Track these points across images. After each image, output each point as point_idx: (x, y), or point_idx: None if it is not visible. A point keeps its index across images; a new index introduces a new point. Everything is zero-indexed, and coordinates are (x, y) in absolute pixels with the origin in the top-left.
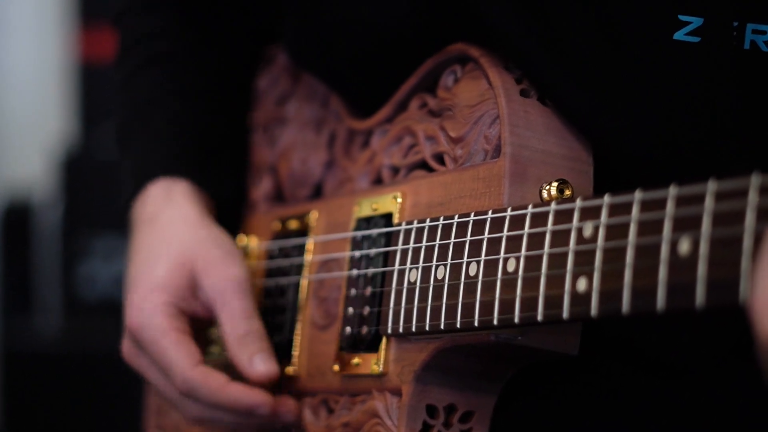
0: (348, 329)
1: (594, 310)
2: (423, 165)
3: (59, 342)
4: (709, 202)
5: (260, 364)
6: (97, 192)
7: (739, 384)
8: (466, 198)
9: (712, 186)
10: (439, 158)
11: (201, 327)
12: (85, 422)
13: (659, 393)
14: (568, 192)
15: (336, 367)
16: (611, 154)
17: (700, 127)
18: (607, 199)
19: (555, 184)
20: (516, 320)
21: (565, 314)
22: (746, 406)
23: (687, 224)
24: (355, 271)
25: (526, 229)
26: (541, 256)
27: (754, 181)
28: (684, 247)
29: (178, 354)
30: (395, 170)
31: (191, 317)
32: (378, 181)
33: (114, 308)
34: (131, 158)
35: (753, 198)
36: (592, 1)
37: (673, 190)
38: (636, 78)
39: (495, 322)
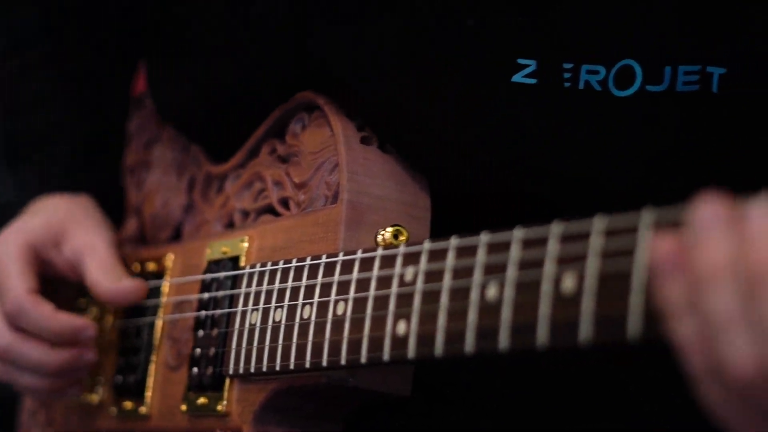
0: (195, 370)
1: (411, 352)
2: (272, 210)
3: None
4: (515, 249)
5: (128, 281)
6: None
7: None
8: (306, 243)
9: (518, 233)
10: (285, 203)
11: (67, 297)
12: None
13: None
14: (402, 237)
15: (183, 407)
16: (453, 197)
17: (538, 166)
18: (426, 245)
19: (390, 229)
20: (343, 362)
21: (386, 356)
22: None
23: (495, 269)
24: (203, 313)
25: (355, 274)
26: (366, 299)
27: (555, 229)
28: (491, 291)
29: (18, 278)
30: (246, 214)
31: (48, 267)
32: (230, 225)
33: None
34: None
35: (553, 247)
36: (429, 45)
37: (484, 237)
38: (475, 120)
39: (324, 363)
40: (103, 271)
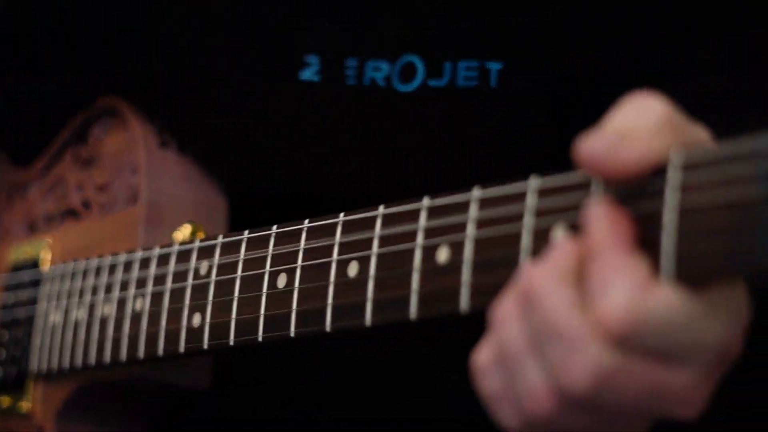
0: (1, 371)
1: (205, 343)
2: (74, 212)
3: None
4: (303, 238)
5: None
6: None
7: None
8: (108, 242)
9: (307, 224)
10: (87, 205)
11: None
12: None
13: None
14: (200, 234)
15: None
16: (250, 196)
17: (325, 164)
18: (219, 239)
19: (188, 227)
20: (141, 356)
21: (181, 348)
22: None
23: (284, 260)
24: (7, 315)
25: (153, 269)
26: (163, 294)
27: (341, 218)
28: (281, 280)
29: None
30: (50, 218)
31: None
32: (34, 229)
33: None
34: None
35: (339, 236)
36: (219, 47)
37: (276, 230)
38: (264, 120)
39: (124, 358)
40: None
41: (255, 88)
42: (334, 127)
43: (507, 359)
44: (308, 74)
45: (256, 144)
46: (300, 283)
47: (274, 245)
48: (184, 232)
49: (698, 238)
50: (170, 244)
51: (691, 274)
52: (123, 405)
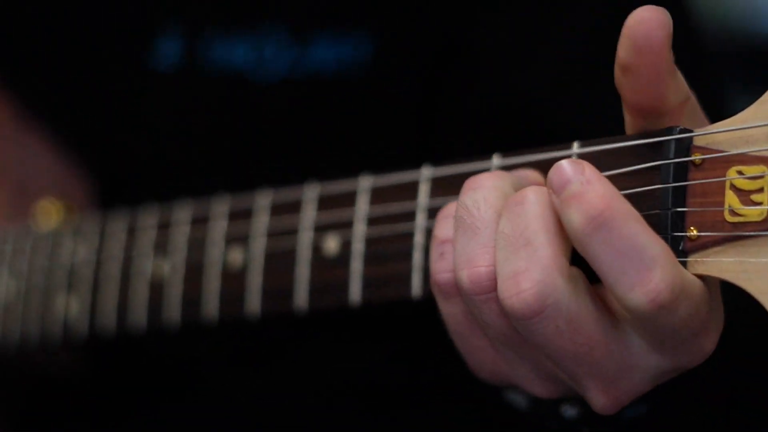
0: None
1: (82, 330)
2: None
3: None
4: (179, 229)
5: None
6: None
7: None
8: None
9: (184, 213)
10: None
11: None
12: None
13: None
14: (65, 211)
15: None
16: (111, 177)
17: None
18: (92, 222)
19: (52, 203)
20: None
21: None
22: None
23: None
24: None
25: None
26: (31, 277)
27: (219, 207)
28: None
29: None
30: None
31: None
32: None
33: None
34: None
35: (218, 224)
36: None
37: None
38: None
39: None
40: None
41: (112, 69)
42: (188, 117)
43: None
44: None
45: (114, 125)
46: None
47: (142, 230)
48: (49, 210)
49: None
50: (39, 224)
51: None
52: None
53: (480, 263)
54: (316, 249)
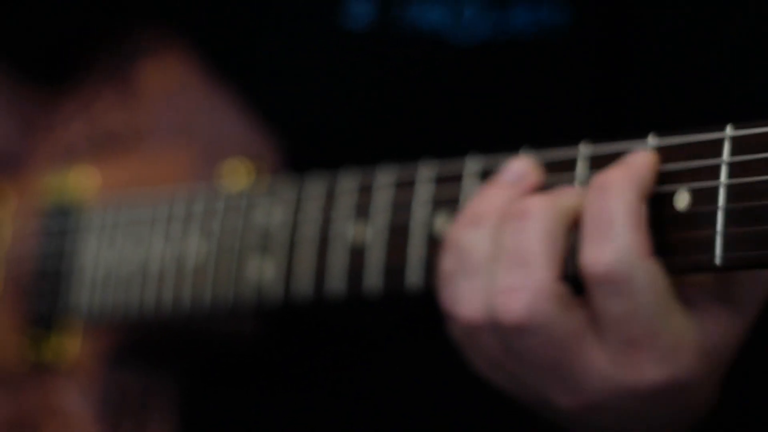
0: (37, 308)
1: (277, 295)
2: (115, 142)
3: None
4: (382, 193)
5: None
6: None
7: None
8: (155, 176)
9: (387, 177)
10: (130, 137)
11: None
12: None
13: (341, 368)
14: (254, 173)
15: (21, 348)
16: (301, 137)
17: (375, 112)
18: (283, 182)
19: (241, 164)
20: (205, 304)
21: (254, 300)
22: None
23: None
24: (44, 249)
25: (215, 211)
26: (225, 236)
27: (424, 172)
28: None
29: None
30: (85, 146)
31: None
32: (69, 157)
33: None
34: None
35: (420, 188)
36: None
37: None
38: (311, 63)
39: (185, 303)
40: None
41: (303, 29)
42: (383, 78)
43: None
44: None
45: (303, 86)
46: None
47: (343, 193)
48: (237, 170)
49: None
50: (229, 184)
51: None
52: (167, 350)
53: None
54: None
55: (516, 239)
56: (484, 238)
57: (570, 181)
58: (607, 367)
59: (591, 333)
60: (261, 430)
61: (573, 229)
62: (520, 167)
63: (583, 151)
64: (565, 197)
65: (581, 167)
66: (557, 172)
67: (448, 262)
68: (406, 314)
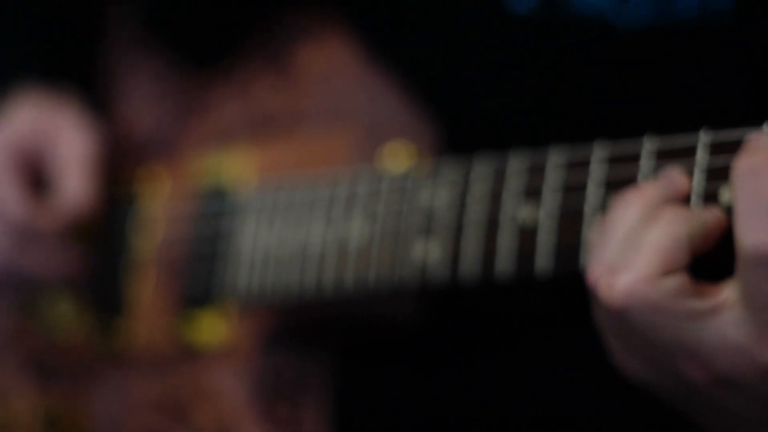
0: (189, 290)
1: (442, 275)
2: (274, 124)
3: None
4: (553, 173)
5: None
6: None
7: (573, 343)
8: (314, 160)
9: (559, 158)
10: (287, 119)
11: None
12: None
13: (500, 353)
14: (415, 156)
15: (175, 329)
16: (456, 120)
17: (535, 98)
18: (446, 164)
19: (402, 148)
20: (369, 284)
21: (417, 280)
22: (590, 366)
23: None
24: (200, 232)
25: (378, 193)
26: (390, 218)
27: (598, 152)
28: (525, 214)
29: (15, 188)
30: (241, 129)
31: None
32: (224, 139)
33: None
34: None
35: (595, 169)
36: None
37: (518, 160)
38: (472, 45)
39: (350, 285)
40: (78, 185)
41: (466, 11)
42: (546, 62)
43: None
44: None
45: (463, 69)
46: (549, 219)
47: (513, 174)
48: (398, 152)
49: None
50: (390, 166)
51: None
52: (324, 332)
53: None
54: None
55: (642, 227)
56: (626, 221)
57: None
58: (752, 346)
59: (736, 310)
60: (416, 413)
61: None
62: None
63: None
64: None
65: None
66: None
67: (594, 237)
68: (563, 299)
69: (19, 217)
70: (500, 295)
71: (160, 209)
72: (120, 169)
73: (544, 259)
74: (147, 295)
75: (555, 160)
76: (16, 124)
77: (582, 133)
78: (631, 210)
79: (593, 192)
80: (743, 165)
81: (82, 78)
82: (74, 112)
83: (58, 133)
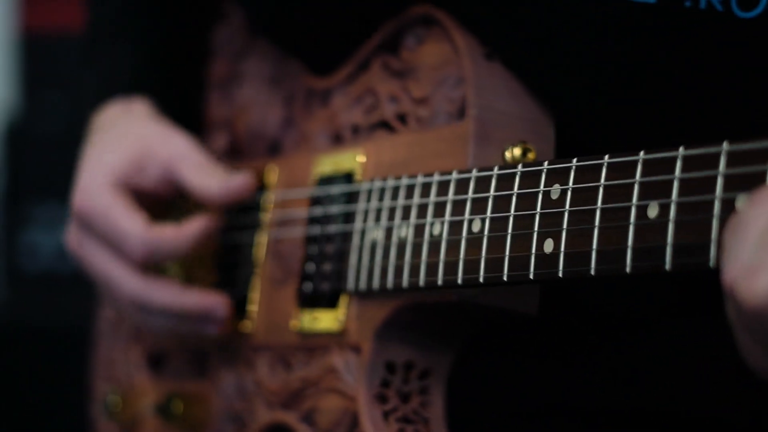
0: (308, 286)
1: (561, 271)
2: (386, 125)
3: (0, 314)
4: (678, 168)
5: (237, 177)
6: (39, 163)
7: (692, 338)
8: (430, 158)
9: (681, 152)
10: (402, 118)
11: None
12: (25, 396)
13: (616, 348)
14: (531, 155)
15: (294, 323)
16: (572, 118)
17: (657, 90)
18: (575, 162)
19: (519, 146)
20: (481, 280)
21: (531, 275)
22: (701, 360)
23: (656, 189)
24: (317, 228)
25: (492, 191)
26: (507, 218)
27: (724, 147)
28: (653, 211)
29: (130, 219)
30: (356, 129)
31: (141, 194)
32: (338, 140)
33: (56, 280)
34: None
35: (722, 165)
36: None
37: (642, 155)
38: (592, 40)
39: (459, 281)
40: (204, 174)
41: (581, 8)
42: (666, 53)
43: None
44: None
45: (579, 63)
46: (674, 215)
47: (642, 174)
48: (514, 151)
49: None
50: (509, 165)
51: None
52: (444, 327)
53: None
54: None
55: None
56: (760, 221)
57: None
58: None
59: None
60: (531, 406)
61: None
62: None
63: None
64: None
65: None
66: None
67: (728, 237)
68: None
69: (146, 246)
70: (622, 289)
71: (277, 206)
72: (236, 165)
73: (670, 255)
74: (267, 286)
75: (683, 157)
76: (110, 158)
77: (708, 126)
78: (764, 210)
79: (722, 190)
80: None
81: (187, 94)
82: (156, 123)
83: (151, 150)
